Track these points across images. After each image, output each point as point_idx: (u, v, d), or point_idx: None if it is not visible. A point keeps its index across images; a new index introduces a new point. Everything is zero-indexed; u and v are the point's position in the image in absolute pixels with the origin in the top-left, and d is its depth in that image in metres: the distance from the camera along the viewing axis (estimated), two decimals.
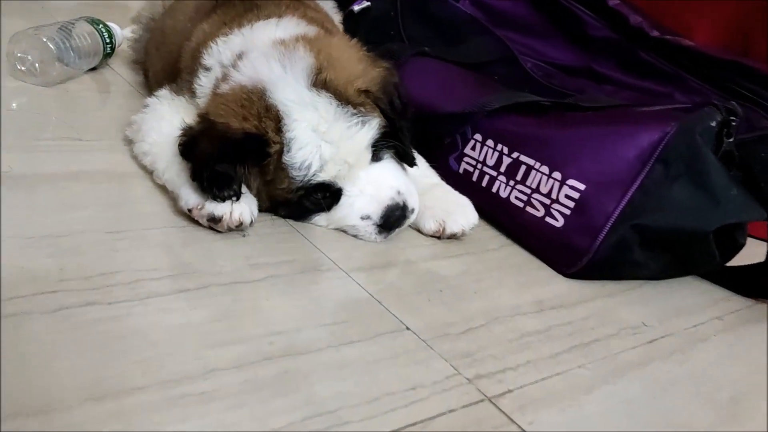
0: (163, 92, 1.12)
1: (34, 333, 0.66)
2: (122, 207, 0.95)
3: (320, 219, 1.01)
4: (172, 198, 0.97)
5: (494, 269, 1.03)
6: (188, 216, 0.93)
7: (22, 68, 1.30)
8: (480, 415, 0.70)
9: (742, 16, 1.41)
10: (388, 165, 1.01)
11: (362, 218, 0.98)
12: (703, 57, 1.28)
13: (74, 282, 0.75)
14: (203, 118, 0.95)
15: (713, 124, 0.99)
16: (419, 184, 1.07)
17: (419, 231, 1.08)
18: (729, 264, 1.09)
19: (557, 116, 1.11)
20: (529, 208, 1.07)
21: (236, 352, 0.70)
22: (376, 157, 0.99)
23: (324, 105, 0.92)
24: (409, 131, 1.02)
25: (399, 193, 0.98)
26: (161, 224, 0.93)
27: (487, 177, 1.13)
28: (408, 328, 0.82)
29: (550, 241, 1.04)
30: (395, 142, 1.00)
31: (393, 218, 0.98)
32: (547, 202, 1.05)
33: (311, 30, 1.06)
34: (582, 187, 1.01)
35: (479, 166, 1.14)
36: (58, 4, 1.83)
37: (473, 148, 1.15)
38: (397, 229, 1.01)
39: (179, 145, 0.95)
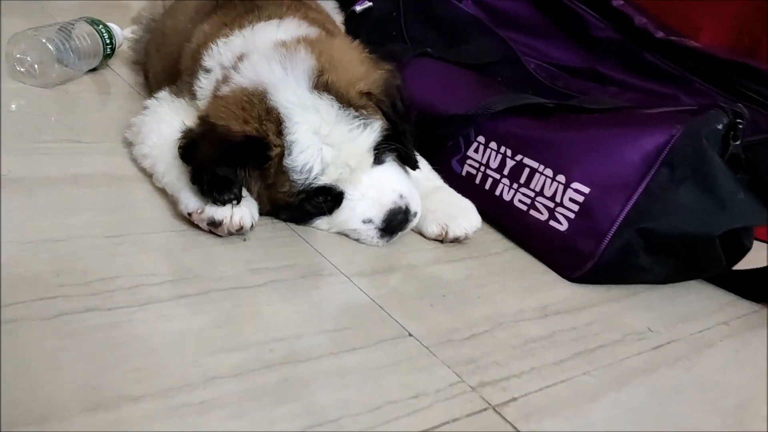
0: (163, 94, 1.11)
1: (32, 340, 0.65)
2: (121, 211, 0.94)
3: (321, 223, 1.00)
4: (172, 201, 0.96)
5: (498, 273, 1.02)
6: (188, 220, 0.92)
7: (21, 69, 1.29)
8: (484, 423, 0.69)
9: (748, 17, 1.40)
10: (391, 168, 1.00)
11: (364, 222, 0.97)
12: (708, 58, 1.27)
13: (73, 287, 0.74)
14: (203, 120, 0.94)
15: (720, 126, 0.97)
16: (422, 187, 1.06)
17: (422, 235, 1.07)
18: (735, 268, 1.08)
19: (561, 118, 1.10)
20: (532, 212, 1.06)
21: (236, 360, 0.69)
22: (378, 160, 0.98)
23: (325, 107, 0.91)
24: (411, 134, 1.01)
25: (401, 196, 0.97)
26: (161, 228, 0.92)
27: (490, 180, 1.12)
28: (410, 335, 0.80)
29: (554, 245, 1.03)
30: (397, 145, 0.99)
31: (395, 222, 0.97)
32: (551, 205, 1.03)
33: (312, 31, 1.05)
34: (586, 190, 1.00)
35: (482, 168, 1.13)
36: (58, 5, 1.82)
37: (476, 151, 1.14)
38: (399, 233, 1.00)
39: (179, 147, 0.94)
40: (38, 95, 1.28)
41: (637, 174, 0.98)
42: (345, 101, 0.93)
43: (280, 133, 0.91)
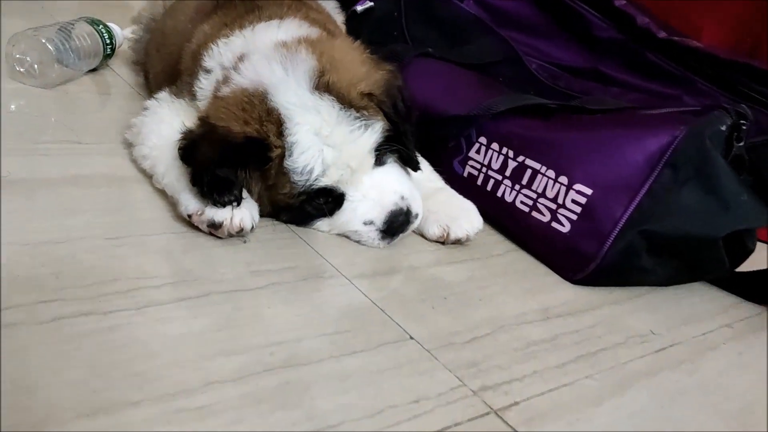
0: (163, 95, 1.10)
1: (30, 344, 0.64)
2: (121, 212, 0.94)
3: (322, 224, 1.00)
4: (172, 203, 0.96)
5: (499, 275, 1.01)
6: (188, 222, 0.92)
7: (21, 70, 1.28)
8: (486, 428, 0.68)
9: (750, 17, 1.39)
10: (392, 169, 0.99)
11: (365, 223, 0.97)
12: (711, 58, 1.26)
13: (71, 290, 0.74)
14: (204, 121, 0.94)
15: (723, 128, 0.97)
16: (423, 188, 1.05)
17: (423, 236, 1.06)
18: (738, 269, 1.07)
19: (564, 119, 1.09)
20: (534, 213, 1.05)
21: (236, 363, 0.68)
22: (379, 162, 0.97)
23: (326, 108, 0.91)
24: (413, 135, 1.00)
25: (403, 198, 0.97)
26: (161, 230, 0.91)
27: (492, 181, 1.11)
28: (412, 338, 0.80)
29: (557, 246, 1.03)
30: (399, 146, 0.98)
31: (396, 224, 0.97)
32: (554, 206, 1.03)
33: (313, 32, 1.05)
34: (589, 191, 1.00)
35: (484, 169, 1.13)
36: (58, 4, 1.82)
37: (478, 152, 1.14)
38: (400, 235, 0.99)
39: (179, 148, 0.93)
40: (38, 96, 1.27)
41: (640, 175, 0.97)
42: (346, 102, 0.92)
43: (280, 134, 0.90)
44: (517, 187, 1.08)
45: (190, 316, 0.74)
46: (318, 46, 0.96)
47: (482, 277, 0.99)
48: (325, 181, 0.92)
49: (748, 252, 1.04)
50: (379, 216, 0.96)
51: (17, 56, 1.28)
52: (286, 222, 1.00)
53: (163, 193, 0.98)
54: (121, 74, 1.51)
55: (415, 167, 1.03)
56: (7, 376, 0.60)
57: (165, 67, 1.23)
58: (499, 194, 1.10)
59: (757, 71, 1.20)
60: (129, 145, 1.09)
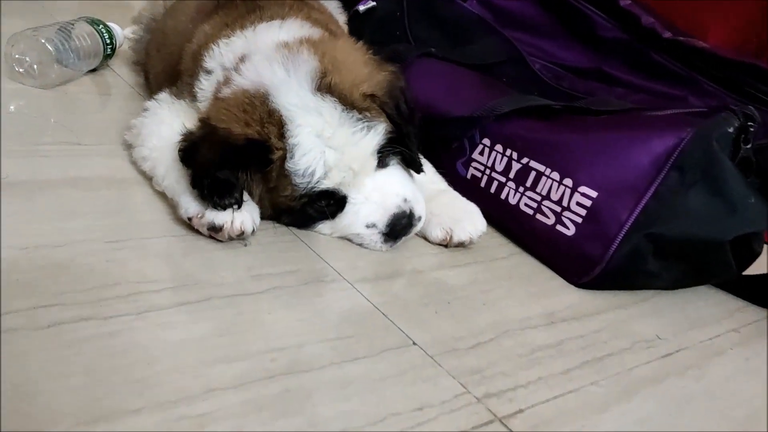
0: (163, 95, 1.09)
1: (29, 350, 0.63)
2: (121, 215, 0.93)
3: (324, 227, 0.98)
4: (172, 205, 0.95)
5: (503, 279, 1.00)
6: (188, 225, 0.91)
7: (20, 70, 1.27)
8: None
9: (757, 17, 1.38)
10: (395, 171, 0.98)
11: (367, 226, 0.96)
12: (717, 59, 1.25)
13: (71, 295, 0.73)
14: (204, 123, 0.93)
15: (730, 129, 0.96)
16: (425, 190, 1.04)
17: (426, 239, 1.05)
18: (744, 273, 1.06)
19: (568, 120, 1.08)
20: (539, 216, 1.04)
21: (237, 370, 0.67)
22: (382, 164, 0.96)
23: (328, 110, 0.90)
24: (416, 137, 0.99)
25: (405, 200, 0.96)
26: (161, 233, 0.90)
27: (495, 183, 1.10)
28: (415, 343, 0.79)
29: (561, 249, 1.02)
30: (402, 148, 0.97)
31: (399, 227, 0.96)
32: (558, 209, 1.02)
33: (315, 32, 1.03)
34: (594, 194, 0.99)
35: (488, 171, 1.11)
36: (58, 4, 1.81)
37: (481, 153, 1.13)
38: (403, 238, 0.98)
39: (179, 150, 0.92)
40: (37, 96, 1.26)
41: (645, 177, 0.96)
42: (348, 103, 0.91)
43: (282, 135, 0.89)
44: (521, 189, 1.07)
45: (190, 321, 0.73)
46: (320, 47, 0.95)
47: (486, 281, 0.98)
48: (326, 184, 0.91)
49: (755, 255, 1.03)
50: (382, 219, 0.95)
51: (16, 56, 1.27)
52: (287, 225, 0.99)
53: (163, 195, 0.97)
54: (122, 74, 1.50)
55: (418, 169, 1.01)
56: (6, 382, 0.59)
57: (165, 67, 1.22)
58: (502, 196, 1.09)
59: (764, 72, 1.19)
60: (129, 147, 1.08)
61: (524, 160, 1.07)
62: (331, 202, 0.95)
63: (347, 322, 0.81)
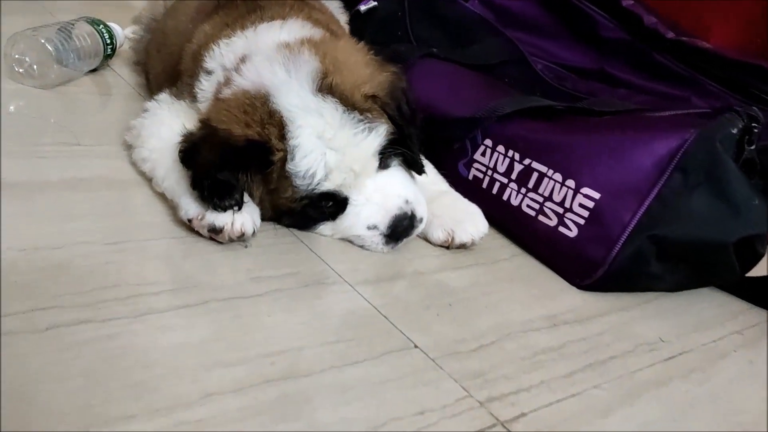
0: (163, 96, 1.09)
1: (26, 353, 0.63)
2: (121, 216, 0.92)
3: (325, 228, 0.98)
4: (172, 207, 0.94)
5: (505, 281, 0.99)
6: (188, 226, 0.90)
7: (20, 70, 1.27)
8: None
9: (760, 17, 1.37)
10: (396, 173, 0.97)
11: (369, 228, 0.95)
12: (720, 59, 1.24)
13: (69, 297, 0.72)
14: (204, 123, 0.92)
15: (734, 131, 0.95)
16: (427, 191, 1.03)
17: (427, 240, 1.04)
18: (748, 274, 1.05)
19: (571, 121, 1.07)
20: (541, 217, 1.03)
21: (235, 374, 0.66)
22: (383, 165, 0.96)
23: (329, 111, 0.89)
24: (417, 138, 0.98)
25: (407, 202, 0.95)
26: (160, 235, 0.89)
27: (497, 184, 1.10)
28: (416, 346, 0.78)
29: (564, 251, 1.01)
30: (403, 149, 0.96)
31: (401, 228, 0.95)
32: (561, 211, 1.01)
33: (317, 32, 1.03)
34: (597, 195, 0.98)
35: (489, 172, 1.11)
36: (58, 4, 1.80)
37: (483, 154, 1.12)
38: (404, 239, 0.97)
39: (179, 151, 0.92)
40: (37, 96, 1.25)
41: (649, 179, 0.95)
42: (349, 104, 0.90)
43: (282, 137, 0.89)
44: (523, 190, 1.06)
45: (189, 324, 0.73)
46: (321, 47, 0.94)
47: (487, 283, 0.97)
48: (327, 186, 0.90)
49: (758, 257, 1.02)
50: (383, 220, 0.94)
51: (16, 56, 1.26)
52: (288, 226, 0.98)
53: (163, 196, 0.97)
54: (122, 74, 1.50)
55: (420, 171, 1.01)
56: (4, 385, 0.58)
57: (165, 67, 1.22)
58: (504, 198, 1.08)
59: (767, 72, 1.18)
60: (129, 148, 1.07)
61: (526, 161, 1.06)
62: (332, 204, 0.94)
63: (348, 325, 0.80)
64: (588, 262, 0.99)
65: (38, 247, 0.80)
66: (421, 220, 0.97)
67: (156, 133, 1.02)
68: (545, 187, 1.03)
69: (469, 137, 1.14)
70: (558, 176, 1.02)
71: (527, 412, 0.71)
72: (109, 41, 1.43)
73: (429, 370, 0.74)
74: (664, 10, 1.38)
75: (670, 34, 1.29)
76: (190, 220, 0.89)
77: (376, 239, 0.96)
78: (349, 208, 0.95)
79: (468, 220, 1.04)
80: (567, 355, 0.83)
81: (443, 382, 0.73)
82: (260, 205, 0.94)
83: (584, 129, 1.04)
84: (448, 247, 1.03)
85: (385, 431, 0.64)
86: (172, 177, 0.94)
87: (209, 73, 1.01)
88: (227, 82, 0.96)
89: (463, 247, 1.03)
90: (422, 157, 1.02)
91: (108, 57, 1.46)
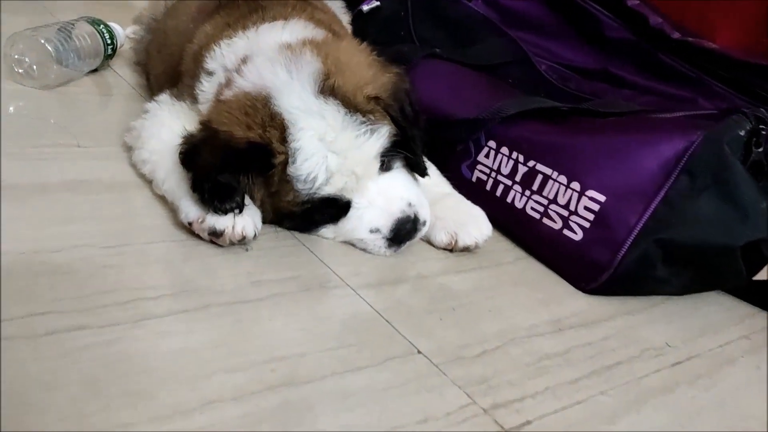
0: (164, 97, 1.08)
1: (24, 359, 0.62)
2: (120, 219, 0.91)
3: (327, 231, 0.97)
4: (172, 210, 0.93)
5: (509, 284, 0.98)
6: (189, 229, 0.89)
7: (20, 71, 1.26)
8: None
9: (767, 17, 1.36)
10: (399, 175, 0.96)
11: (371, 231, 0.94)
12: (727, 60, 1.22)
13: (68, 302, 0.71)
14: (205, 125, 0.91)
15: (742, 133, 0.94)
16: (430, 193, 1.02)
17: (430, 243, 1.03)
18: (754, 278, 1.04)
19: (575, 123, 1.06)
20: (546, 220, 1.02)
21: (236, 381, 0.65)
22: (386, 167, 0.94)
23: (331, 113, 0.88)
24: (420, 140, 0.97)
25: (410, 204, 0.94)
26: (160, 238, 0.88)
27: (501, 186, 1.08)
28: (419, 352, 0.77)
29: (569, 255, 1.00)
30: (405, 152, 0.95)
31: (403, 231, 0.94)
32: (565, 213, 1.00)
33: (319, 33, 1.02)
34: (602, 198, 0.97)
35: (493, 174, 1.10)
36: (59, 4, 1.78)
37: (487, 156, 1.11)
38: (407, 243, 0.96)
39: (179, 153, 0.91)
40: (37, 97, 1.24)
41: (655, 182, 0.94)
42: (352, 106, 0.89)
43: (284, 139, 0.87)
44: (527, 192, 1.05)
45: (188, 330, 0.72)
46: (323, 48, 0.93)
47: (491, 287, 0.96)
48: (329, 190, 0.89)
49: (765, 260, 1.01)
50: (386, 224, 0.93)
51: (15, 57, 1.25)
52: (289, 229, 0.97)
53: (163, 199, 0.96)
54: (123, 75, 1.49)
55: (423, 173, 1.00)
56: (1, 391, 0.57)
57: (166, 68, 1.21)
58: (508, 200, 1.07)
59: None
60: (129, 149, 1.06)
61: (530, 163, 1.05)
62: (334, 207, 0.93)
63: (350, 330, 0.79)
64: (593, 266, 0.97)
65: (36, 250, 0.79)
66: (424, 223, 0.96)
67: (156, 135, 1.01)
68: (550, 189, 1.02)
69: (472, 139, 1.13)
70: (563, 178, 1.01)
71: (532, 419, 0.70)
72: (109, 41, 1.42)
73: (432, 376, 0.73)
74: (668, 10, 1.36)
75: (676, 35, 1.27)
76: (190, 223, 0.88)
77: (378, 242, 0.95)
78: (351, 211, 0.94)
79: (471, 223, 1.03)
80: (572, 360, 0.82)
81: (447, 388, 0.72)
82: (261, 207, 0.93)
83: (589, 130, 1.03)
84: (451, 250, 1.02)
85: None
86: (173, 179, 0.93)
87: (210, 73, 1.00)
88: (228, 83, 0.95)
89: (466, 250, 1.02)
90: (425, 159, 1.01)
91: (108, 57, 1.45)
